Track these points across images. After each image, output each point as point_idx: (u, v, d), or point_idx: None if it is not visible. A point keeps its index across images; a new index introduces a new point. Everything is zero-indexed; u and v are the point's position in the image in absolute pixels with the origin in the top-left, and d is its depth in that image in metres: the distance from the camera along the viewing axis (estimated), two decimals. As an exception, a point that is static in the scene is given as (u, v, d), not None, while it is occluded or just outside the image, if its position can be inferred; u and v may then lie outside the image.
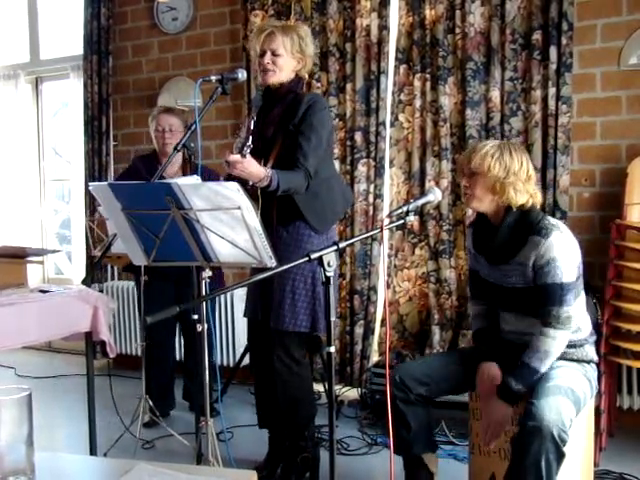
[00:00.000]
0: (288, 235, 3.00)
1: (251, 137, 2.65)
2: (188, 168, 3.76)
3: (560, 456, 2.21)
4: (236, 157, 2.62)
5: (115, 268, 5.43)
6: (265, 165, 2.84)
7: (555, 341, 2.40)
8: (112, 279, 5.44)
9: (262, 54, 2.96)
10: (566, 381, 2.36)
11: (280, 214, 2.97)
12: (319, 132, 2.92)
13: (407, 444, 2.65)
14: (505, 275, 2.54)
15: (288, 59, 2.97)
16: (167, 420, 4.06)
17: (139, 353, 3.94)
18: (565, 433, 2.20)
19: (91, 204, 5.27)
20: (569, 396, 2.30)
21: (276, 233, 2.97)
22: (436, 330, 4.17)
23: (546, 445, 2.18)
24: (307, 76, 3.13)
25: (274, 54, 2.94)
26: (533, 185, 2.52)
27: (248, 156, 2.63)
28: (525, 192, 2.48)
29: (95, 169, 5.43)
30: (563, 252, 2.39)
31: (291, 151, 2.90)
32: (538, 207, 2.53)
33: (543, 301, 2.42)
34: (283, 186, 2.78)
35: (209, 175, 2.84)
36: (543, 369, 2.40)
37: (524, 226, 2.46)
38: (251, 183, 2.75)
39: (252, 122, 2.73)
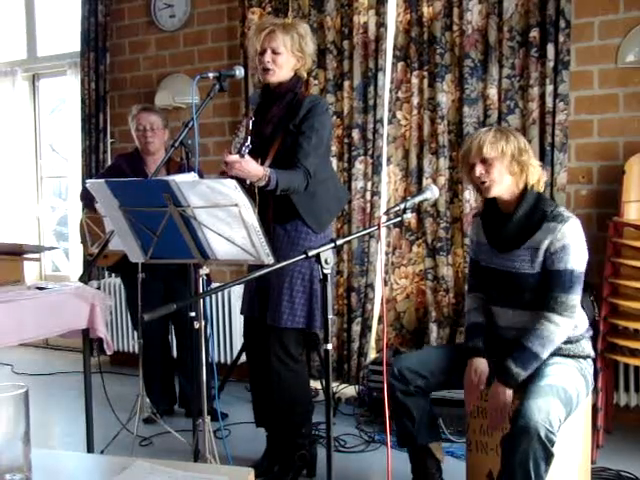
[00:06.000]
0: (286, 233, 3.01)
1: (250, 137, 2.66)
2: (173, 166, 3.77)
3: (548, 456, 2.22)
4: (234, 157, 2.64)
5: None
6: (262, 163, 2.85)
7: (559, 328, 2.41)
8: (109, 276, 5.43)
9: (262, 52, 2.95)
10: (559, 380, 2.36)
11: (277, 213, 2.97)
12: (320, 133, 2.92)
13: (412, 435, 2.68)
14: (511, 260, 2.53)
15: (288, 58, 2.96)
16: (169, 417, 4.06)
17: (136, 350, 3.93)
18: (553, 434, 2.21)
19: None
20: (560, 397, 2.30)
21: (274, 232, 2.97)
22: (433, 327, 4.17)
23: (533, 445, 2.19)
24: (306, 75, 3.13)
25: (274, 52, 2.93)
26: (537, 161, 2.59)
27: (247, 156, 2.65)
28: (536, 167, 2.53)
29: (92, 166, 5.42)
30: (577, 240, 2.43)
31: (290, 150, 2.91)
32: (545, 192, 2.58)
33: (551, 287, 2.43)
34: (282, 185, 2.79)
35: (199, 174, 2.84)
36: (544, 355, 2.41)
37: (539, 212, 2.49)
38: (249, 182, 2.75)
39: (251, 122, 2.75)
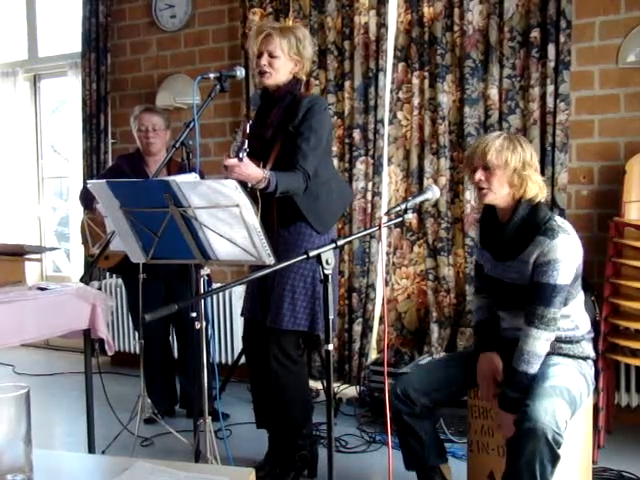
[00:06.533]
0: (290, 235, 3.00)
1: (247, 140, 2.68)
2: (173, 166, 3.77)
3: (554, 458, 2.21)
4: (233, 161, 2.64)
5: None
6: (264, 167, 2.85)
7: (538, 342, 2.40)
8: (110, 276, 5.43)
9: (259, 55, 2.95)
10: (562, 380, 2.36)
11: (281, 216, 2.97)
12: (318, 133, 2.91)
13: (422, 457, 2.65)
14: (506, 271, 2.54)
15: (285, 61, 2.95)
16: (170, 417, 4.06)
17: (137, 350, 3.93)
18: (560, 436, 2.20)
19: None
20: (565, 397, 2.29)
21: (278, 235, 2.97)
22: (434, 328, 4.17)
23: (540, 448, 2.18)
24: (305, 78, 3.12)
25: (271, 56, 2.93)
26: (540, 177, 2.54)
27: (245, 159, 2.65)
28: (537, 183, 2.49)
29: (93, 167, 5.43)
30: (565, 255, 2.39)
31: (290, 153, 2.91)
32: (544, 203, 2.54)
33: (532, 298, 2.42)
34: (281, 188, 2.78)
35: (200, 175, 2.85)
36: (532, 370, 2.40)
37: (532, 225, 2.46)
38: (250, 185, 2.75)
39: (247, 126, 2.76)
